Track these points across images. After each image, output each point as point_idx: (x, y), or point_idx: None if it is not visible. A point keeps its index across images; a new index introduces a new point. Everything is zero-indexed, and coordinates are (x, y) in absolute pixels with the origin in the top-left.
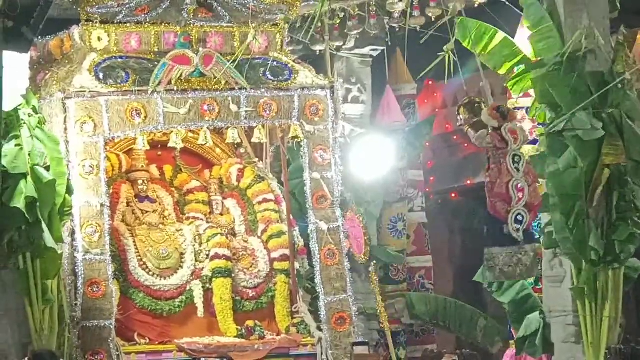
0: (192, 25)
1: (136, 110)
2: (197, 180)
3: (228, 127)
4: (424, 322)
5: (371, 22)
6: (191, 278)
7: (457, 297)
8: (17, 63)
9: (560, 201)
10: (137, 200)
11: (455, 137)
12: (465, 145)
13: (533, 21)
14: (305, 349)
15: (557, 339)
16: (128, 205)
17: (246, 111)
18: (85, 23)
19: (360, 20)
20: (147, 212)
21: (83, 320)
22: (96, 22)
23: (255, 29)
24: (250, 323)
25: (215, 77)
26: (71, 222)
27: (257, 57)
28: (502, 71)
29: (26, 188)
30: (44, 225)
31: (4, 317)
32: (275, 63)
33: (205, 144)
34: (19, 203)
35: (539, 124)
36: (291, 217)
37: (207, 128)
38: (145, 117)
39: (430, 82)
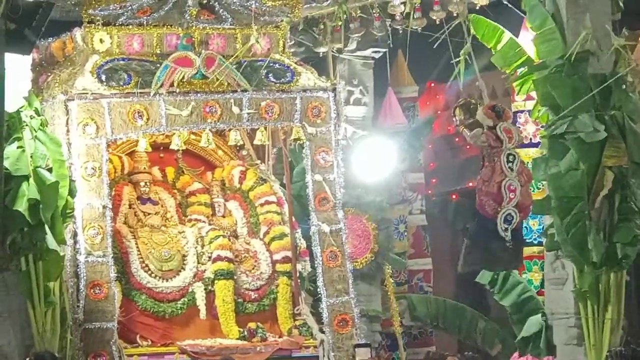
0: (194, 28)
1: (138, 112)
2: (200, 183)
3: (230, 129)
4: (424, 324)
5: (374, 24)
6: (193, 280)
7: (459, 299)
8: (19, 65)
9: (562, 203)
10: (139, 202)
11: (457, 139)
12: (467, 147)
13: (536, 23)
14: (308, 351)
15: (559, 341)
16: (130, 207)
17: (248, 113)
18: (88, 25)
19: (362, 22)
20: (149, 214)
21: (85, 322)
22: (98, 24)
23: (258, 31)
24: (252, 325)
25: (218, 79)
26: (73, 224)
27: (259, 59)
28: (508, 71)
29: (28, 190)
30: (46, 228)
31: (6, 319)
32: (277, 65)
33: (208, 146)
34: (21, 205)
35: (541, 127)
36: (293, 219)
37: (210, 130)
38: (148, 119)
39: (433, 84)
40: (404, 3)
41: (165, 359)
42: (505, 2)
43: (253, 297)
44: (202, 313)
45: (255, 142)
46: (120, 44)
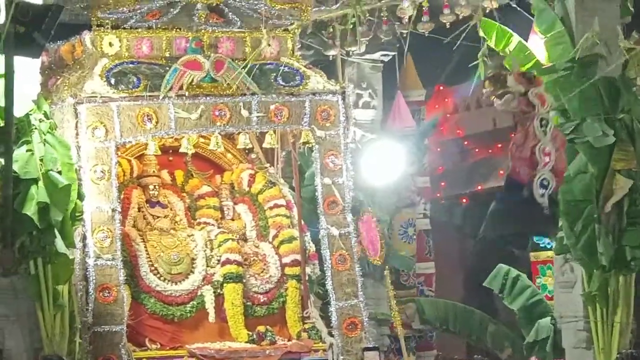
0: (203, 31)
1: (147, 116)
2: (209, 186)
3: (239, 133)
4: (433, 327)
5: (383, 27)
6: (202, 283)
7: (465, 303)
8: (29, 68)
9: (571, 207)
10: (148, 205)
11: (466, 143)
12: (476, 150)
13: (545, 27)
14: (317, 354)
15: (568, 345)
16: (139, 211)
17: (257, 116)
18: (97, 28)
19: (371, 25)
20: (158, 217)
21: (94, 325)
22: (107, 28)
23: (268, 34)
24: (261, 328)
25: (227, 83)
26: (82, 227)
27: (269, 62)
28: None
29: (38, 193)
30: (56, 231)
31: (15, 323)
32: (286, 68)
33: (217, 149)
34: (30, 209)
35: None
36: (302, 223)
37: (219, 133)
38: (157, 122)
39: (441, 88)
40: (412, 6)
41: None
42: (514, 6)
43: (262, 300)
44: (211, 316)
45: (265, 145)
46: (130, 47)
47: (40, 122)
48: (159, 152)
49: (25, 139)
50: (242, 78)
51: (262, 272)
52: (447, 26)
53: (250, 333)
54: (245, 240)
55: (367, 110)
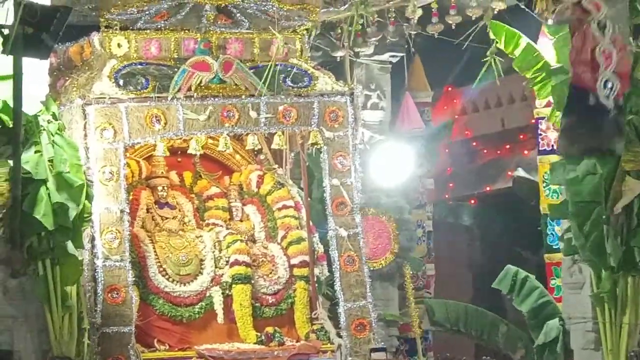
0: (211, 32)
1: (156, 117)
2: (217, 187)
3: (248, 134)
4: (444, 329)
5: (390, 28)
6: (211, 284)
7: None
8: (37, 69)
9: (579, 208)
10: (156, 206)
11: (474, 144)
12: (485, 151)
13: (553, 28)
14: (325, 355)
15: (577, 346)
16: (148, 212)
17: (266, 117)
18: (105, 29)
19: (380, 26)
20: (166, 218)
21: (103, 326)
22: (116, 29)
23: (282, 34)
24: (269, 329)
25: (236, 84)
26: (91, 228)
27: (277, 63)
28: (527, 75)
29: (50, 194)
30: (69, 231)
31: (24, 324)
32: (295, 69)
33: (225, 150)
34: (41, 210)
35: None
36: (311, 224)
37: (227, 134)
38: (165, 123)
39: (450, 89)
40: (421, 7)
41: None
42: (523, 7)
43: (270, 301)
44: (220, 317)
45: (273, 146)
46: (138, 48)
47: (48, 123)
48: (168, 153)
49: (34, 140)
50: (250, 79)
51: (270, 273)
52: (453, 27)
53: (259, 334)
54: (254, 241)
55: (375, 111)
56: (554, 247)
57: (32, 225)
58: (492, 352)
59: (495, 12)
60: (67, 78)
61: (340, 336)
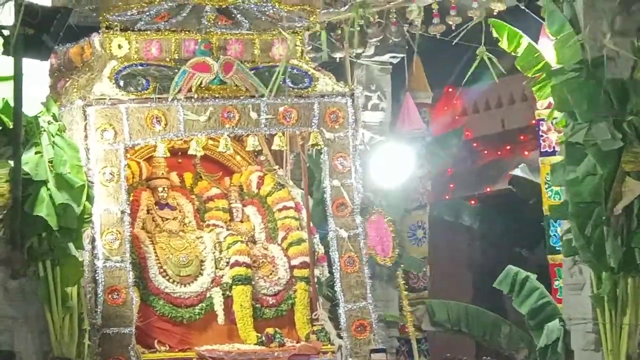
0: (212, 33)
1: (156, 118)
2: (217, 188)
3: (248, 135)
4: (445, 329)
5: (392, 29)
6: (211, 285)
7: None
8: (38, 70)
9: (580, 209)
10: (157, 207)
11: (475, 145)
12: (485, 152)
13: (554, 28)
14: (325, 356)
15: (577, 347)
16: (148, 213)
17: (266, 119)
18: (106, 30)
19: (380, 27)
20: (167, 219)
21: (103, 327)
22: (116, 30)
23: (283, 35)
24: (270, 330)
25: (236, 85)
26: (91, 229)
27: (278, 64)
28: (528, 75)
29: (52, 195)
30: (71, 232)
31: (24, 325)
32: (295, 70)
33: (226, 151)
34: (42, 210)
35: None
36: (311, 225)
37: (227, 135)
38: (166, 124)
39: (450, 89)
40: (421, 8)
41: None
42: (523, 8)
43: (271, 302)
44: (220, 318)
45: (273, 147)
46: (139, 49)
47: (49, 124)
48: (168, 154)
49: (34, 141)
50: (251, 80)
51: (271, 274)
52: (453, 27)
53: (259, 335)
54: (254, 242)
55: (376, 112)
56: (556, 248)
57: (33, 226)
58: (494, 353)
59: (495, 13)
60: (67, 79)
61: (340, 337)
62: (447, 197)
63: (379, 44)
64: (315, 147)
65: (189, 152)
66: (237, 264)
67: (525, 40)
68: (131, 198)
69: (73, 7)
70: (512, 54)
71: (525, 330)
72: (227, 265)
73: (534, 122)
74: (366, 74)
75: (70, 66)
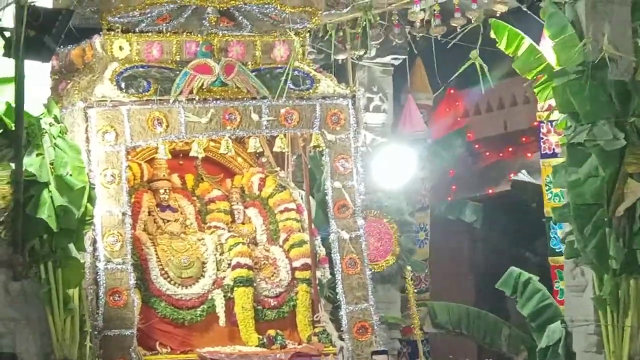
0: (213, 35)
1: (158, 120)
2: (219, 190)
3: (249, 136)
4: (446, 331)
5: (396, 30)
6: (213, 287)
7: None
8: (39, 72)
9: (581, 211)
10: (158, 209)
11: (477, 146)
12: (487, 153)
13: (555, 30)
14: (327, 358)
15: (579, 349)
16: (149, 215)
17: (268, 120)
18: (107, 32)
19: (382, 29)
20: (168, 221)
21: (105, 329)
22: (118, 32)
23: (283, 37)
24: (271, 332)
25: (238, 87)
26: (93, 231)
27: (279, 66)
28: (529, 76)
29: (53, 197)
30: (72, 234)
31: (26, 327)
32: (296, 72)
33: (227, 153)
34: (44, 212)
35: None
36: (312, 226)
37: (229, 137)
38: (167, 126)
39: (452, 91)
40: (424, 10)
41: None
42: (524, 9)
43: (272, 304)
44: (222, 320)
45: (275, 149)
46: (140, 51)
47: (50, 126)
48: (170, 156)
49: (36, 143)
50: (252, 82)
51: (272, 275)
52: (458, 30)
53: (261, 337)
54: (256, 244)
55: (377, 114)
56: (556, 250)
57: (35, 228)
58: (495, 355)
59: (498, 15)
60: (68, 81)
61: (342, 339)
62: (449, 198)
63: (380, 45)
64: (317, 148)
65: (191, 154)
66: (238, 265)
67: (527, 41)
68: (132, 200)
69: (74, 8)
70: (511, 55)
71: (526, 332)
72: (228, 267)
73: (536, 123)
74: (368, 76)
75: (71, 68)
